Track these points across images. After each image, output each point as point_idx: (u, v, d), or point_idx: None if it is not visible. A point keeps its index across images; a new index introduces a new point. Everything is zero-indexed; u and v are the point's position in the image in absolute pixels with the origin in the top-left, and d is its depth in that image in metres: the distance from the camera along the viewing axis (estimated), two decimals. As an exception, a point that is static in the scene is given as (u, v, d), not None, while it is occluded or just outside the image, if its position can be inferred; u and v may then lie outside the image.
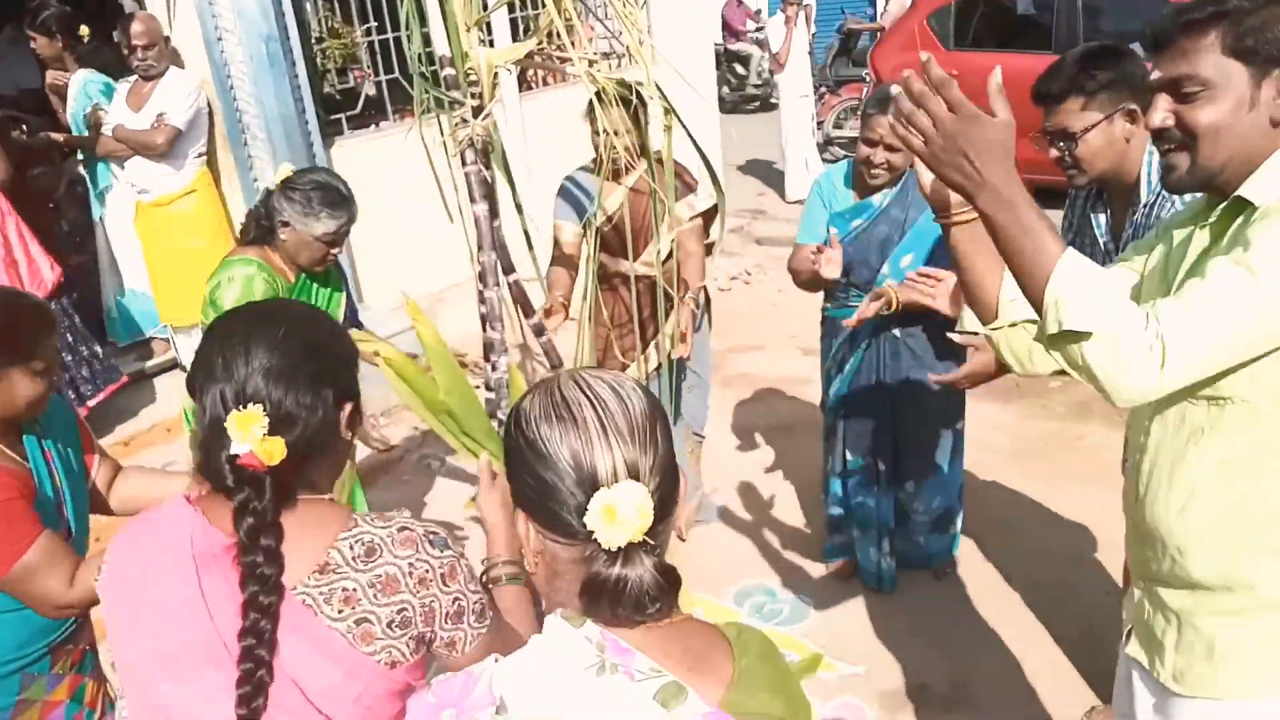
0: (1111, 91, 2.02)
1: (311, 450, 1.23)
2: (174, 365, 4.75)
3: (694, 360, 3.62)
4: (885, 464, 3.22)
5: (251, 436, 1.15)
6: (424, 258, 5.37)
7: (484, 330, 2.36)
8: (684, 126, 2.29)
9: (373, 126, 5.39)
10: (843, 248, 2.93)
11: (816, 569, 3.52)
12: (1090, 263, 1.26)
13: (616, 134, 2.39)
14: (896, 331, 3.04)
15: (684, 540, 1.01)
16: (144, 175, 4.30)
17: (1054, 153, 2.13)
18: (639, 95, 2.74)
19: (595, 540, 0.90)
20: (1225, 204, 1.40)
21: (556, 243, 3.32)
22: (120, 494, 2.03)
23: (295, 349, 1.24)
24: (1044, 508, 3.76)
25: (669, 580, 0.94)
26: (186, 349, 4.50)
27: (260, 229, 2.64)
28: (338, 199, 2.59)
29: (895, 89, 1.25)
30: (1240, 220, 1.36)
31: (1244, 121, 1.35)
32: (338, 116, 5.18)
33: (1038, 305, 1.27)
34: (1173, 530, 1.50)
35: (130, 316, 4.80)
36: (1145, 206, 2.11)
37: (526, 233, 2.53)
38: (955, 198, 1.45)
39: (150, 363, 4.78)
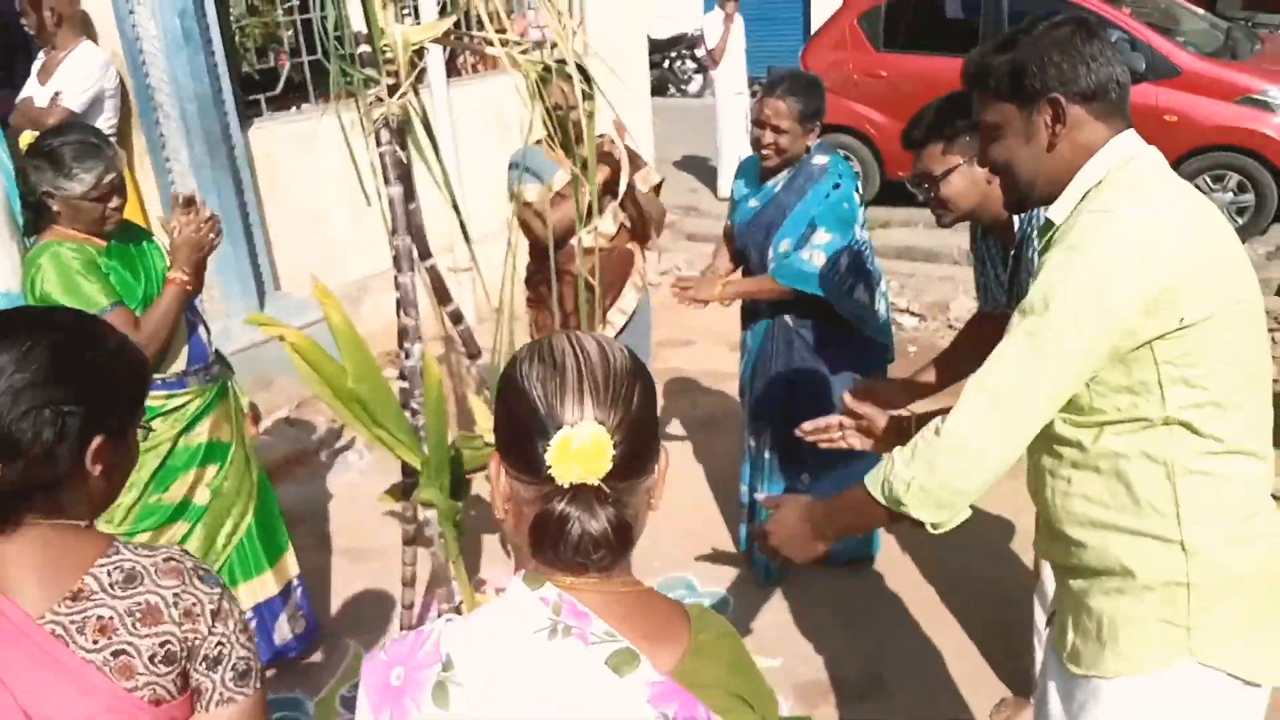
0: (972, 136, 2.04)
1: (39, 482, 1.12)
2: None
3: (638, 346, 3.61)
4: (779, 452, 3.23)
5: None
6: (347, 244, 5.25)
7: (398, 317, 2.30)
8: (613, 109, 2.26)
9: (293, 109, 5.24)
10: (738, 229, 3.07)
11: (737, 562, 3.53)
12: (874, 470, 1.55)
13: (570, 108, 2.30)
14: (789, 320, 3.09)
15: (654, 509, 1.03)
16: None
17: (920, 195, 2.20)
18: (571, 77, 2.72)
19: (552, 477, 0.93)
20: (1040, 230, 1.58)
21: (526, 205, 3.23)
22: None
23: (39, 367, 1.11)
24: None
25: (619, 536, 0.95)
26: None
27: (36, 215, 2.45)
28: (86, 149, 2.39)
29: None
30: (1049, 242, 1.50)
31: (1029, 152, 1.51)
32: (256, 97, 5.02)
33: (895, 515, 1.52)
34: (1059, 518, 1.58)
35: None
36: (1019, 241, 2.19)
37: (459, 211, 2.45)
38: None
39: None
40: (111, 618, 1.10)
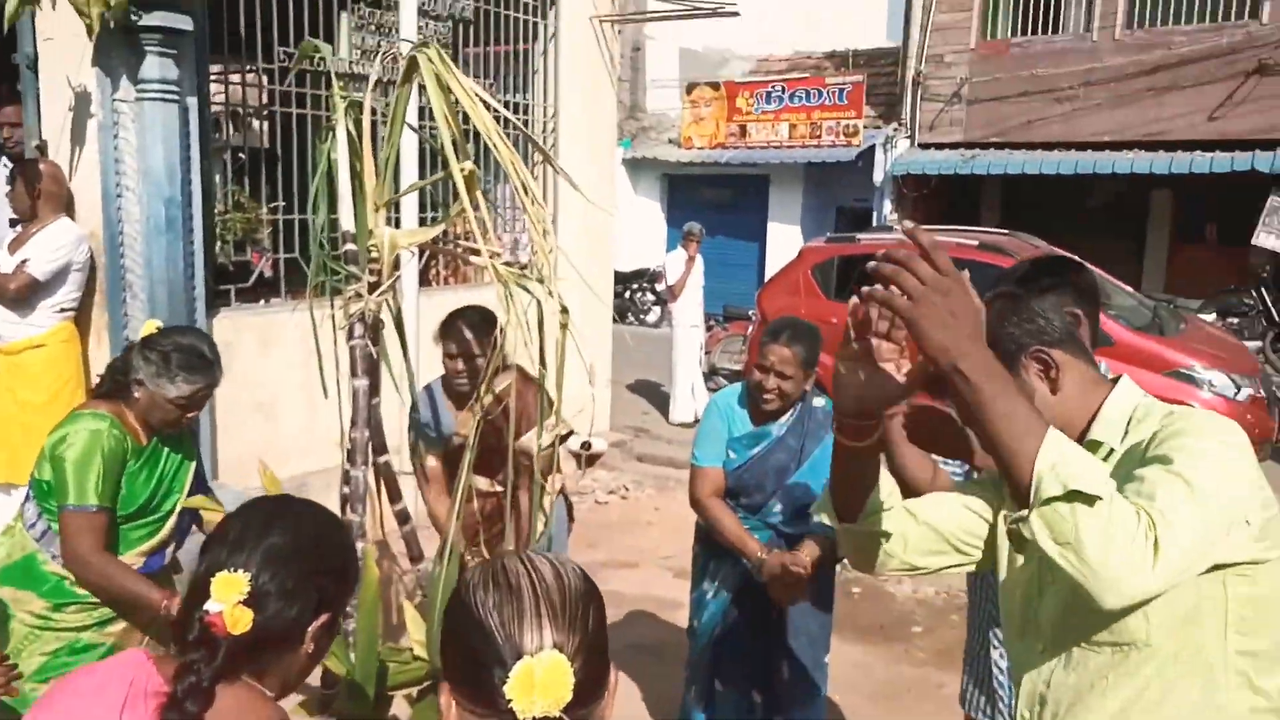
0: (1057, 295, 2.06)
1: (273, 638, 1.26)
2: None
3: None
4: (761, 696, 3.11)
5: (227, 599, 1.21)
6: (293, 439, 5.18)
7: (342, 513, 2.24)
8: (574, 337, 2.31)
9: (261, 302, 5.32)
10: (737, 473, 3.02)
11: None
12: (1064, 442, 1.24)
13: (477, 357, 2.33)
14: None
15: None
16: None
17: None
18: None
19: (512, 710, 0.89)
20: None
21: (422, 465, 3.27)
22: None
23: (301, 543, 1.30)
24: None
25: None
26: (3, 510, 4.12)
27: (116, 384, 2.50)
28: (197, 363, 2.47)
29: (871, 265, 1.27)
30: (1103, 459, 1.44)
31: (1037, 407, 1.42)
32: (227, 288, 5.10)
33: (1025, 474, 1.22)
34: None
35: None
36: None
37: (416, 418, 2.45)
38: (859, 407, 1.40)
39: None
40: None
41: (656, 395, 9.78)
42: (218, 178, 5.39)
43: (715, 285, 12.77)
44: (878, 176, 14.41)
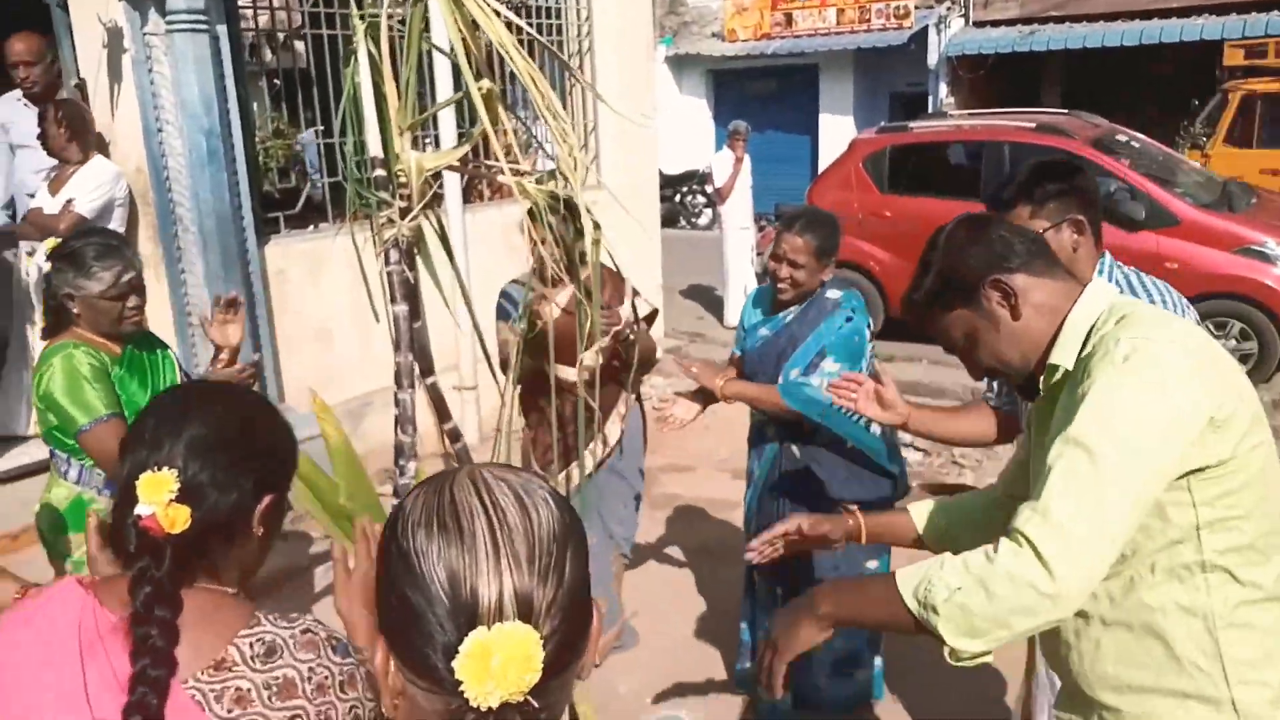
0: (1060, 201, 2.07)
1: (217, 531, 1.20)
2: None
3: (628, 471, 3.57)
4: (784, 587, 3.15)
5: (157, 500, 1.14)
6: (353, 361, 5.28)
7: (396, 434, 2.28)
8: (608, 250, 2.30)
9: (310, 227, 5.37)
10: (748, 356, 3.08)
11: (733, 701, 3.39)
12: (912, 567, 1.39)
13: (555, 243, 2.37)
14: (796, 449, 3.05)
15: (582, 679, 0.81)
16: (41, 260, 4.20)
17: None
18: (571, 209, 2.78)
19: (463, 694, 0.71)
20: (1043, 374, 1.53)
21: (504, 347, 3.31)
22: None
23: (227, 428, 1.24)
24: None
25: None
26: None
27: (58, 315, 2.52)
28: (106, 250, 2.47)
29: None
30: (1059, 385, 1.48)
31: (1002, 334, 1.53)
32: (275, 215, 5.15)
33: (914, 626, 1.37)
34: (1088, 683, 1.49)
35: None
36: None
37: (480, 336, 2.48)
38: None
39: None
40: (249, 690, 1.12)
41: (711, 299, 9.74)
42: (256, 105, 5.38)
43: (767, 182, 12.53)
44: (931, 59, 13.89)
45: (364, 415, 5.20)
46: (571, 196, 2.13)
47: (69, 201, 4.07)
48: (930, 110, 13.15)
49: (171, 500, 1.15)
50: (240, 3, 4.89)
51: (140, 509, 1.14)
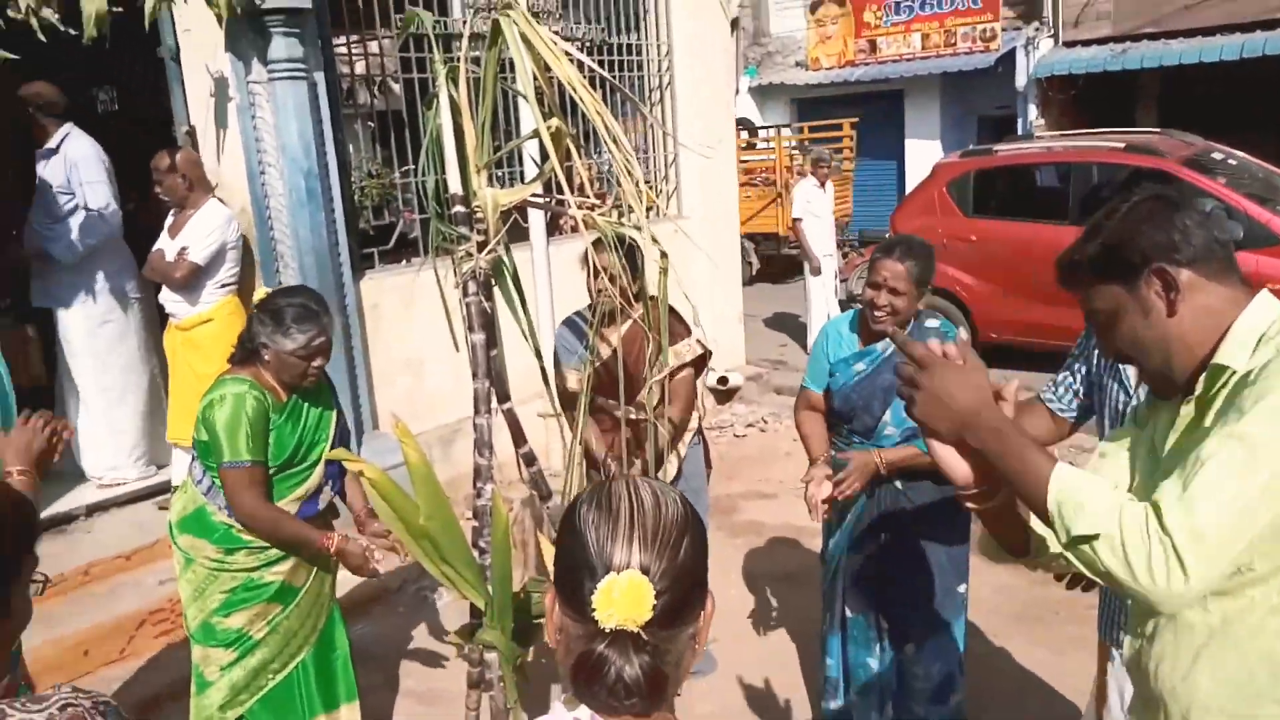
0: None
1: None
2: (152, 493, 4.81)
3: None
4: (888, 622, 3.13)
5: None
6: (442, 390, 5.46)
7: (474, 457, 2.38)
8: (675, 281, 2.37)
9: (404, 262, 5.59)
10: (843, 394, 2.99)
11: (812, 728, 3.39)
12: (1079, 471, 1.33)
13: (612, 278, 2.47)
14: (898, 483, 3.02)
15: (697, 655, 1.08)
16: (169, 298, 4.49)
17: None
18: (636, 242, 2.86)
19: (595, 618, 0.98)
20: (1205, 374, 1.41)
21: (561, 386, 3.38)
22: None
23: None
24: (1047, 680, 3.61)
25: (652, 684, 0.99)
26: (180, 468, 4.56)
27: (247, 351, 2.73)
28: (305, 314, 2.68)
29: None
30: (1222, 387, 1.38)
31: (1151, 325, 1.44)
32: (370, 251, 5.38)
33: (1046, 520, 1.32)
34: (1183, 707, 1.44)
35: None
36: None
37: (542, 365, 2.58)
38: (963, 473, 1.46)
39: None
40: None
41: (794, 327, 9.73)
42: (352, 147, 5.64)
43: (853, 209, 12.47)
44: (1020, 81, 13.67)
45: (453, 442, 5.37)
46: (636, 227, 2.21)
47: (183, 250, 4.34)
48: (1019, 133, 12.92)
49: None
50: (337, 51, 5.16)
51: None
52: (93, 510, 4.66)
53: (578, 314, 3.55)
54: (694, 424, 3.55)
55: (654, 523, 1.03)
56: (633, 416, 3.26)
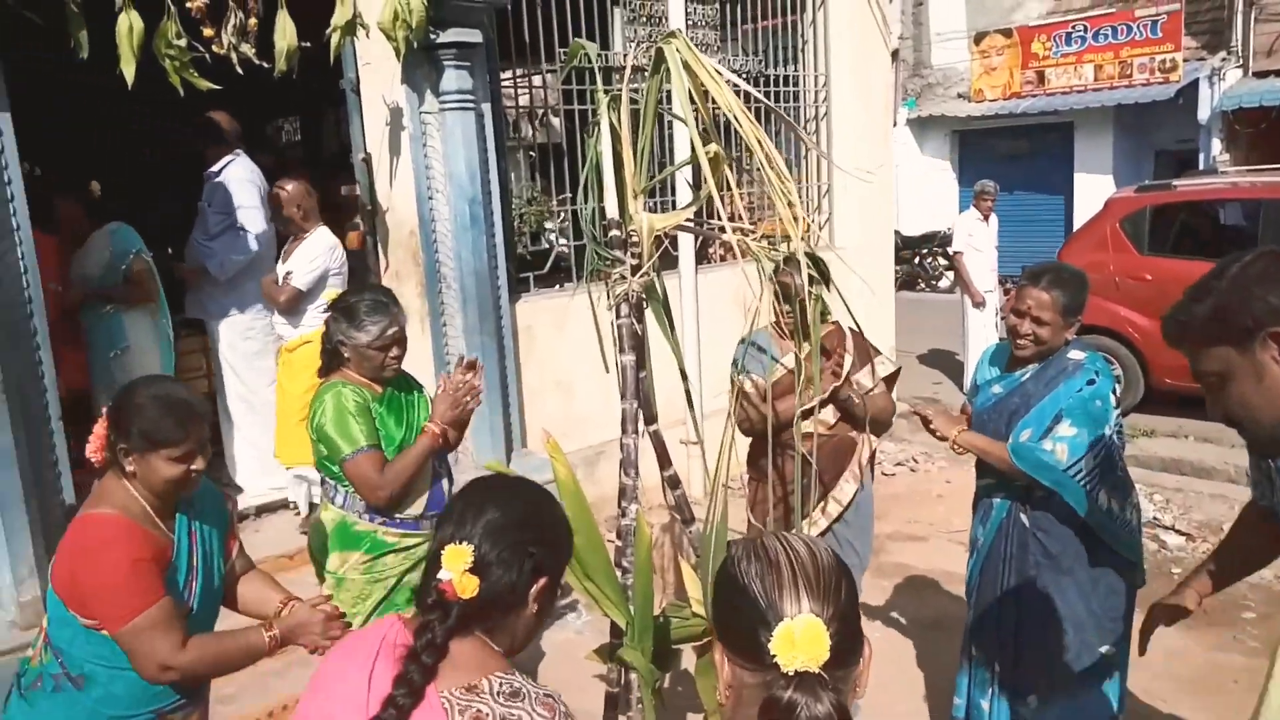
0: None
1: (497, 601, 1.42)
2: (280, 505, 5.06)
3: (857, 539, 3.53)
4: (1003, 667, 2.98)
5: (455, 568, 1.39)
6: (591, 411, 5.56)
7: (620, 477, 2.41)
8: (845, 305, 2.35)
9: (557, 286, 5.74)
10: (977, 414, 2.98)
11: (954, 782, 3.24)
12: None
13: (798, 296, 2.47)
14: (1025, 519, 2.90)
15: (859, 696, 1.12)
16: (278, 321, 4.75)
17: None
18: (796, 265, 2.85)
19: (776, 665, 1.02)
20: None
21: (745, 396, 3.37)
22: (242, 594, 2.18)
23: (515, 518, 1.46)
24: (1225, 751, 3.34)
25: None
26: (293, 488, 4.85)
27: (331, 358, 2.86)
28: (376, 306, 2.79)
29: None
30: None
31: (1264, 388, 1.42)
32: (526, 275, 5.55)
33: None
34: None
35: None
36: None
37: (688, 391, 2.60)
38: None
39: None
40: (488, 715, 1.34)
41: (950, 364, 9.42)
42: (513, 175, 5.86)
43: (1016, 244, 12.01)
44: (1203, 114, 12.89)
45: (598, 462, 5.45)
46: (794, 254, 2.20)
47: (288, 274, 4.60)
48: (1201, 167, 12.16)
49: (465, 570, 1.39)
50: (503, 84, 5.38)
51: (442, 574, 1.39)
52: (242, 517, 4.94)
53: (759, 332, 3.56)
54: (866, 453, 3.50)
55: (814, 570, 1.08)
56: (822, 431, 3.28)
